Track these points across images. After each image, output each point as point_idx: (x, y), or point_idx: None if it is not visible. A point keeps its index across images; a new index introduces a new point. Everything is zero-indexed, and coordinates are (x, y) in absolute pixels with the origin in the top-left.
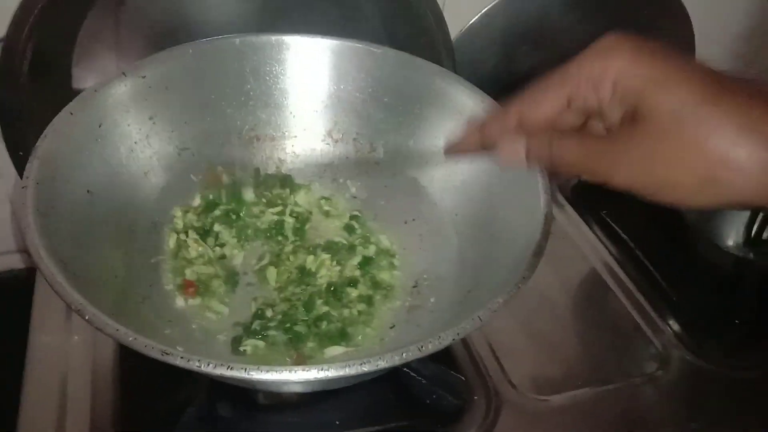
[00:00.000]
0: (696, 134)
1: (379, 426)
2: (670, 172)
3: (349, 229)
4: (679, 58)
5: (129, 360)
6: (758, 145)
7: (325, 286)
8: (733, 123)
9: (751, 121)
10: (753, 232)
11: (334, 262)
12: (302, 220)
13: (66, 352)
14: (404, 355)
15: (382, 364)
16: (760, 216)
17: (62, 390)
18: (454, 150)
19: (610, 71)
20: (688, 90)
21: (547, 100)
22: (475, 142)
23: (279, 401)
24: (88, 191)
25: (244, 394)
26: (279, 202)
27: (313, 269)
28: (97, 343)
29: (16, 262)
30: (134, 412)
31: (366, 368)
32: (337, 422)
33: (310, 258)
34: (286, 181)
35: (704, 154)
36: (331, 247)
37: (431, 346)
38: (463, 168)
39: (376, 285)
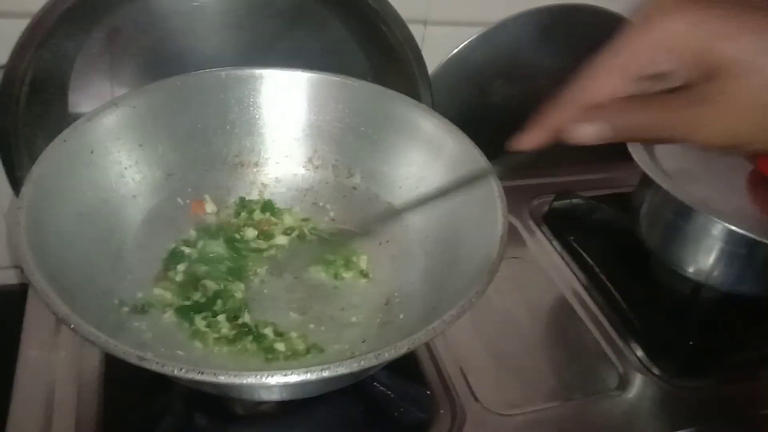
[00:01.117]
0: None
1: None
2: (751, 121)
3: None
4: (737, 5)
5: (113, 373)
6: None
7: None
8: None
9: None
10: None
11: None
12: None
13: (53, 366)
14: (362, 362)
15: (341, 369)
16: None
17: (49, 402)
18: (522, 145)
19: (670, 32)
20: (756, 37)
21: (606, 80)
22: (544, 134)
23: (254, 412)
24: (78, 213)
25: (221, 405)
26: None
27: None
28: (83, 357)
29: (10, 277)
30: (116, 422)
31: (326, 373)
32: None
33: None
34: (266, 206)
35: None
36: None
37: (387, 355)
38: (432, 192)
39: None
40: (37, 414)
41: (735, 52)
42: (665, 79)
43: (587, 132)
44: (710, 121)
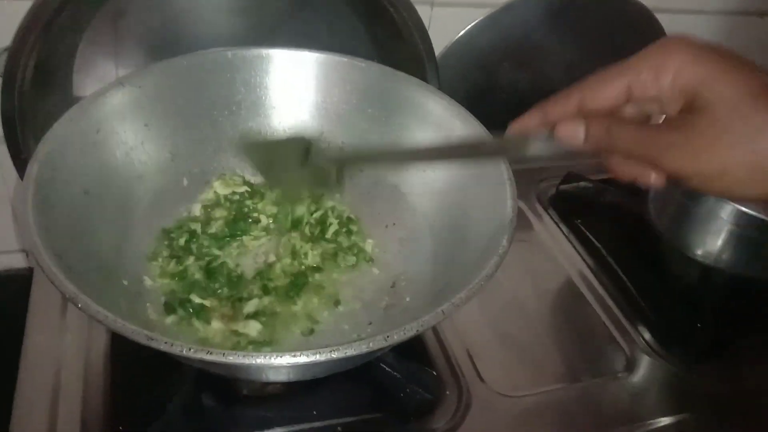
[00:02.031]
0: (750, 126)
1: (354, 417)
2: (721, 161)
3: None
4: (734, 55)
5: (119, 356)
6: None
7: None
8: None
9: None
10: None
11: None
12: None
13: (60, 350)
14: (371, 344)
15: (350, 351)
16: None
17: (55, 384)
18: (518, 127)
19: (672, 63)
20: (746, 84)
21: (608, 88)
22: (538, 122)
23: (261, 393)
24: (85, 192)
25: (228, 386)
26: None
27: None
28: (89, 341)
29: (18, 261)
30: (124, 404)
31: (335, 355)
32: (315, 413)
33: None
34: None
35: (756, 145)
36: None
37: (396, 337)
38: (440, 176)
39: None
40: (44, 397)
41: (719, 94)
42: (663, 106)
43: (578, 133)
44: (681, 150)
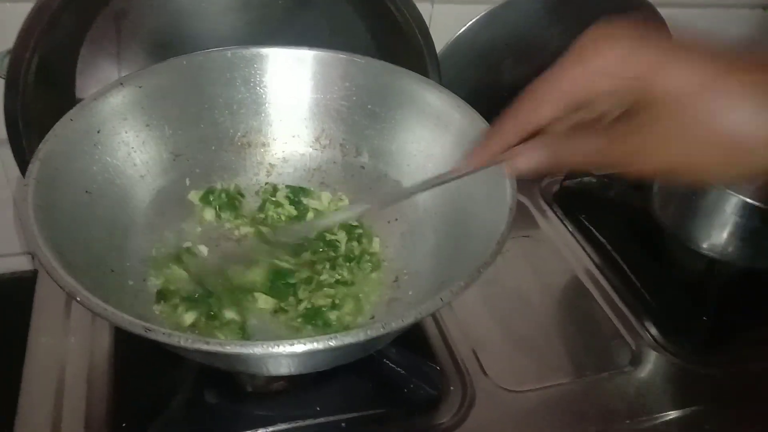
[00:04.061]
0: (706, 113)
1: (358, 413)
2: (685, 153)
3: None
4: (671, 40)
5: (122, 356)
6: None
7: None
8: (741, 98)
9: (760, 93)
10: None
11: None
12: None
13: (63, 351)
14: (369, 332)
15: (349, 339)
16: None
17: (59, 385)
18: (473, 164)
19: (608, 62)
20: (693, 70)
21: (545, 105)
22: (488, 157)
23: (264, 390)
24: (86, 192)
25: (231, 383)
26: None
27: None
28: (93, 341)
29: (22, 264)
30: (126, 402)
31: (333, 343)
32: (318, 408)
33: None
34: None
35: (718, 133)
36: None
37: (394, 324)
38: (441, 170)
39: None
40: (48, 396)
41: (666, 85)
42: (603, 107)
43: (529, 163)
44: (644, 151)
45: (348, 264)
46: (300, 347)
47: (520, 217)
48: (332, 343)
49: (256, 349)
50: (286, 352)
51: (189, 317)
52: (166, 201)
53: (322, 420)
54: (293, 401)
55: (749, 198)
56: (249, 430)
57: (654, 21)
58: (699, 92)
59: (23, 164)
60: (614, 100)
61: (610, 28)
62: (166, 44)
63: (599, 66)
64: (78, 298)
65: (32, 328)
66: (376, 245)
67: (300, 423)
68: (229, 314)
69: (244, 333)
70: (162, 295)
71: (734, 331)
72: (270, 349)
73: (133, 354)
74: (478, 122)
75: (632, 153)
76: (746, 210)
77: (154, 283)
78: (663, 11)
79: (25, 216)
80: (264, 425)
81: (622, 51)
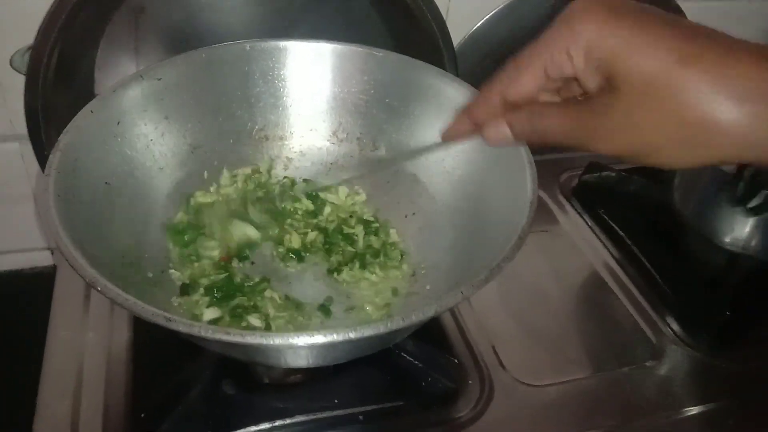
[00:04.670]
0: (672, 97)
1: (376, 405)
2: (649, 136)
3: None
4: (651, 17)
5: (141, 348)
6: (735, 103)
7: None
8: (708, 83)
9: (728, 78)
10: (740, 192)
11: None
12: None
13: (82, 345)
14: (389, 324)
15: (368, 332)
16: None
17: (78, 377)
18: (448, 137)
19: (580, 39)
20: (660, 53)
21: (525, 76)
22: (466, 128)
23: (282, 382)
24: (106, 183)
25: (249, 375)
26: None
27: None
28: (112, 334)
29: (43, 259)
30: (144, 393)
31: (353, 335)
32: (336, 401)
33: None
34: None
35: (682, 117)
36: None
37: (414, 317)
38: (459, 163)
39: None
40: (67, 388)
41: (635, 69)
42: (584, 84)
43: (504, 133)
44: (607, 132)
45: (377, 260)
46: (320, 339)
47: (539, 212)
48: (352, 336)
49: (276, 340)
50: (305, 344)
51: (210, 313)
52: (185, 193)
53: (339, 412)
54: (311, 393)
55: None
56: (267, 421)
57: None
58: (667, 75)
59: (43, 159)
60: (591, 77)
61: (592, 1)
62: (184, 39)
63: (573, 41)
64: (99, 288)
65: (51, 322)
66: (394, 236)
67: (318, 415)
68: (254, 321)
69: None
70: (186, 289)
71: (756, 326)
72: (290, 340)
73: (152, 347)
74: None
75: (596, 133)
76: None
77: (175, 275)
78: (682, 4)
79: (46, 206)
80: (282, 417)
81: (598, 29)
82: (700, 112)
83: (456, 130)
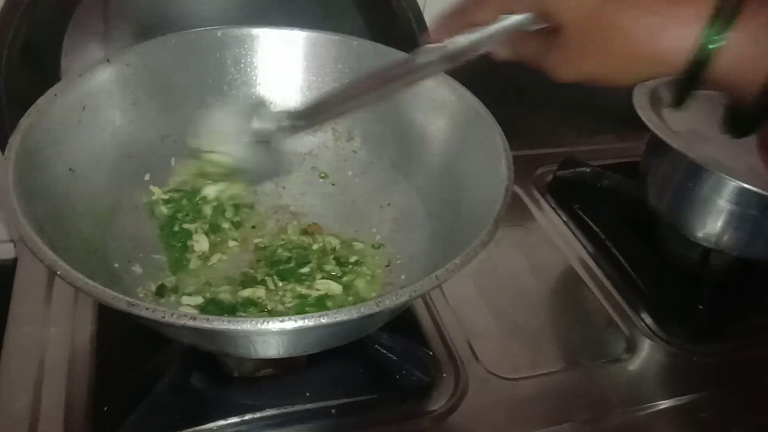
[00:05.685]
0: (612, 30)
1: (349, 399)
2: (598, 66)
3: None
4: None
5: (105, 341)
6: (677, 24)
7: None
8: (648, 10)
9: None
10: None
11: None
12: None
13: (43, 339)
14: (362, 309)
15: (340, 316)
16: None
17: (39, 371)
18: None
19: None
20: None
21: (483, 11)
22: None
23: (253, 375)
24: (70, 169)
25: (219, 368)
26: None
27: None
28: (74, 327)
29: (4, 252)
30: (109, 386)
31: (324, 320)
32: (308, 394)
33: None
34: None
35: (627, 46)
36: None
37: (388, 302)
38: (436, 152)
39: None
40: (27, 382)
41: (564, 13)
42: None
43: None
44: (562, 62)
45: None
46: (290, 324)
47: (514, 207)
48: (324, 320)
49: (245, 326)
50: (275, 329)
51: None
52: (153, 182)
53: (311, 406)
54: (282, 387)
55: (746, 183)
56: (236, 415)
57: None
58: (601, 11)
59: (4, 142)
60: (538, 18)
61: None
62: (155, 25)
63: None
64: (58, 272)
65: (11, 314)
66: (358, 247)
67: (289, 408)
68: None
69: None
70: (161, 290)
71: (729, 320)
72: (259, 325)
73: (117, 340)
74: (474, 105)
75: (554, 64)
76: (741, 198)
77: (140, 272)
78: None
79: (5, 188)
80: (252, 411)
81: None
82: (642, 39)
83: (442, 33)
